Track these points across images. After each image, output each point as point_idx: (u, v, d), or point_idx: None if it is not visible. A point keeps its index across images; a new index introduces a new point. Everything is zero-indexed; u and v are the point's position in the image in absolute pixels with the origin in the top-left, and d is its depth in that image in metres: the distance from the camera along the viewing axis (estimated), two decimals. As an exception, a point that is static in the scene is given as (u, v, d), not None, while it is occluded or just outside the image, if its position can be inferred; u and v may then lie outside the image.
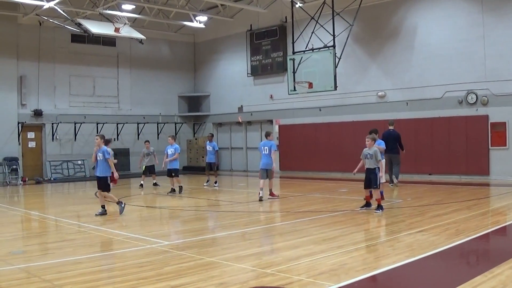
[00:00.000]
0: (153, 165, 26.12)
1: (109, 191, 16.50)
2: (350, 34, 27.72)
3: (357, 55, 29.47)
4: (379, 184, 15.84)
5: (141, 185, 25.81)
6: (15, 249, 11.74)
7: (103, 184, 16.34)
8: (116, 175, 16.50)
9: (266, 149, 19.30)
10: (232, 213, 16.60)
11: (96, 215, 16.08)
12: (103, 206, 16.36)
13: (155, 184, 25.76)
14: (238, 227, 13.73)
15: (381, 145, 18.05)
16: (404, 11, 27.90)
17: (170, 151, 23.24)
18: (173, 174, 22.92)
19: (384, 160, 17.25)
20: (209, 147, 25.76)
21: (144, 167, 26.02)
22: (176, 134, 37.81)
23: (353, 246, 10.75)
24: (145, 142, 26.79)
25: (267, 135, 19.86)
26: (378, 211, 15.41)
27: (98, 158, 16.34)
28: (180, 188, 23.04)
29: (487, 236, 11.85)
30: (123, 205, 16.35)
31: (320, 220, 14.56)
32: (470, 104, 25.74)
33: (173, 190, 22.82)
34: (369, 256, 9.96)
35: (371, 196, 16.33)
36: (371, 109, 28.80)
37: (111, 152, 16.66)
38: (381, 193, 16.70)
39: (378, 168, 15.85)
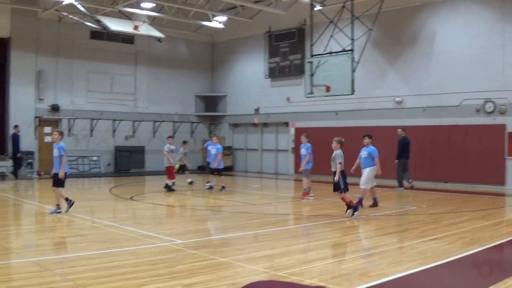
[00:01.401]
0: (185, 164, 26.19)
1: (63, 187, 16.28)
2: (369, 39, 27.61)
3: (375, 60, 29.39)
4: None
5: (191, 182, 25.73)
6: (28, 242, 11.79)
7: (57, 181, 16.12)
8: (61, 174, 16.17)
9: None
10: (245, 214, 16.59)
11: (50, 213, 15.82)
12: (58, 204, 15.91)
13: (190, 183, 25.64)
14: (252, 229, 13.72)
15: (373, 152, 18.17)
16: (424, 17, 27.80)
17: (213, 150, 23.74)
18: (216, 173, 23.73)
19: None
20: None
21: (178, 166, 25.80)
22: (192, 134, 37.89)
23: (366, 252, 10.73)
24: (183, 142, 26.69)
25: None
26: (350, 212, 15.60)
27: (54, 154, 16.20)
28: (223, 187, 23.50)
29: (501, 246, 11.77)
30: (71, 202, 16.12)
31: (334, 224, 14.52)
32: (488, 113, 25.60)
33: (211, 188, 23.71)
34: (382, 262, 9.91)
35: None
36: (388, 115, 28.71)
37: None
38: (360, 200, 17.03)
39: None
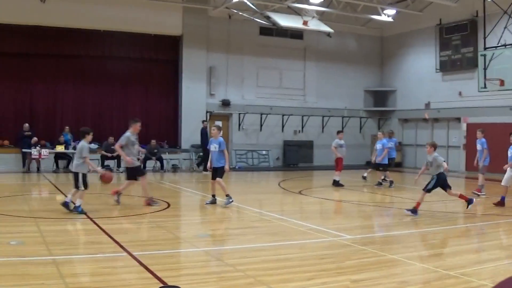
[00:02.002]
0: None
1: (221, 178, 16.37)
2: (547, 30, 26.45)
3: (553, 52, 28.07)
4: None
5: (364, 177, 24.89)
6: (201, 232, 12.12)
7: (218, 173, 16.28)
8: (226, 168, 16.30)
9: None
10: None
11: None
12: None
13: (364, 178, 24.97)
14: (421, 226, 13.45)
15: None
16: None
17: (378, 145, 23.74)
18: (380, 169, 23.64)
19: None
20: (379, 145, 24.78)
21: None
22: (360, 129, 37.69)
23: (542, 254, 10.25)
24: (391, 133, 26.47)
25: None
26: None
27: (212, 149, 16.37)
28: (391, 182, 23.31)
29: None
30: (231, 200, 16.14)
31: (508, 224, 13.98)
32: None
33: (379, 183, 23.39)
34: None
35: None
36: None
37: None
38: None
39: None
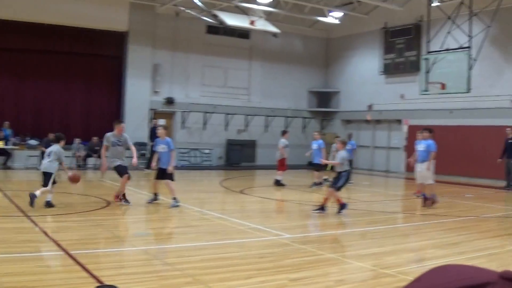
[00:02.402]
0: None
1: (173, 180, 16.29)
2: (487, 36, 26.92)
3: (493, 58, 28.55)
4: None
5: (325, 180, 24.23)
6: (139, 231, 12.08)
7: (166, 175, 16.21)
8: (170, 169, 16.29)
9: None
10: (354, 211, 16.44)
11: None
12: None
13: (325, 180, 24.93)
14: (360, 226, 13.61)
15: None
16: (547, 14, 26.87)
17: (314, 146, 23.56)
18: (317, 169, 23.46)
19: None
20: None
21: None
22: (304, 129, 37.90)
23: (475, 253, 10.44)
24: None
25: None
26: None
27: (159, 150, 16.42)
28: (315, 183, 23.27)
29: None
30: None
31: (443, 224, 14.23)
32: None
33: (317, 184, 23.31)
34: (491, 264, 9.58)
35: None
36: (505, 114, 27.82)
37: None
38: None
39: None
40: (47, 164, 14.78)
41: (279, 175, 23.24)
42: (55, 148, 14.95)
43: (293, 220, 14.89)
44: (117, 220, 14.22)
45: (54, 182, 14.64)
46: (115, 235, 11.73)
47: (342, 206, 15.06)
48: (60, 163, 14.84)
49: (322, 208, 15.07)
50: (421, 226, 13.90)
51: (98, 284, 7.44)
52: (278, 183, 23.13)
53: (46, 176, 14.54)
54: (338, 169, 15.19)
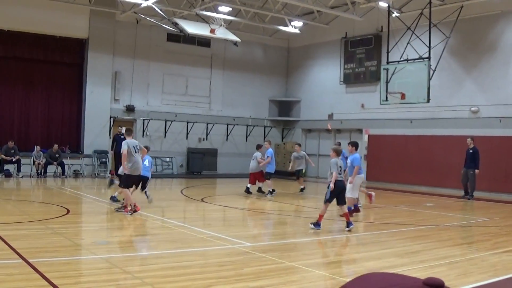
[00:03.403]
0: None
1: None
2: (446, 47, 27.25)
3: (452, 68, 28.89)
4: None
5: (302, 189, 24.76)
6: (99, 239, 11.97)
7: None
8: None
9: None
10: (315, 219, 16.50)
11: None
12: None
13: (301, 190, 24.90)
14: (321, 235, 13.64)
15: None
16: (503, 26, 27.18)
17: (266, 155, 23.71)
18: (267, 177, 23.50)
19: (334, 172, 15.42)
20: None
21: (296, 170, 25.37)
22: (264, 138, 37.90)
23: (435, 262, 10.53)
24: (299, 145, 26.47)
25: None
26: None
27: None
28: (270, 191, 23.18)
29: None
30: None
31: (404, 233, 14.35)
32: None
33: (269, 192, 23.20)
34: (451, 273, 9.70)
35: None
36: (463, 124, 28.15)
37: None
38: (349, 209, 15.40)
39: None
40: None
41: (260, 183, 23.56)
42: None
43: (253, 229, 14.90)
44: (77, 228, 14.10)
45: (112, 183, 15.91)
46: (75, 243, 11.60)
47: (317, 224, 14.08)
48: None
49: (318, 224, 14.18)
50: (381, 234, 13.98)
51: (56, 293, 7.37)
52: (247, 191, 23.26)
53: None
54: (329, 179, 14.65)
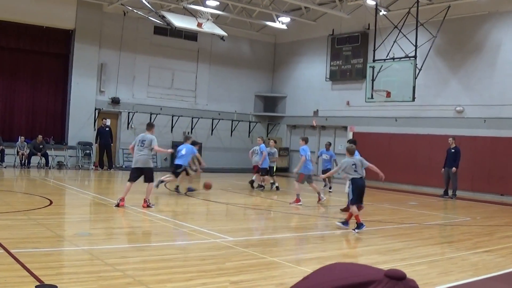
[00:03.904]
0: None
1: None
2: (433, 46, 27.35)
3: (438, 68, 28.99)
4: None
5: (277, 187, 24.65)
6: (81, 231, 11.96)
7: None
8: None
9: None
10: (298, 215, 16.56)
11: None
12: None
13: (277, 188, 24.73)
14: (303, 230, 13.69)
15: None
16: (490, 26, 27.31)
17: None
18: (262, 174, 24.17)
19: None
20: (326, 156, 26.52)
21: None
22: (249, 133, 37.89)
23: (416, 260, 10.59)
24: (275, 141, 26.85)
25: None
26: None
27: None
28: (259, 185, 24.19)
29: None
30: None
31: (386, 231, 14.40)
32: (551, 127, 25.10)
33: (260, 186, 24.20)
34: (431, 271, 9.76)
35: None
36: (448, 124, 28.26)
37: None
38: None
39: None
40: None
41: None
42: None
43: (236, 223, 14.91)
44: (60, 219, 14.07)
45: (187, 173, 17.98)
46: (58, 234, 11.58)
47: (345, 223, 13.99)
48: None
49: (346, 223, 13.99)
50: (363, 232, 14.02)
51: (37, 283, 7.36)
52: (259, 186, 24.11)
53: None
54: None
